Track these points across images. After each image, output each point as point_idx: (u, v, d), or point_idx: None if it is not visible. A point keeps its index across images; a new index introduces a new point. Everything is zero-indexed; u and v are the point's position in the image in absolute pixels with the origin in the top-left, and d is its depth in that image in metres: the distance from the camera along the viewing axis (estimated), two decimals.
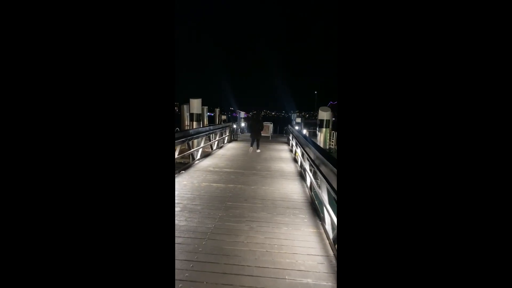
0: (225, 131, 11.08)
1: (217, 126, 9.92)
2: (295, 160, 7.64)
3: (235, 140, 12.92)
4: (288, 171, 6.23)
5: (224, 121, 18.01)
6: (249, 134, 9.33)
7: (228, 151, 8.97)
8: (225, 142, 11.07)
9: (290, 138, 10.74)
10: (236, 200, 4.05)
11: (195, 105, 9.57)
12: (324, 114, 9.54)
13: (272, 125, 15.91)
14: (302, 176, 5.73)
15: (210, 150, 8.98)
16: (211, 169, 6.12)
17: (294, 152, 8.79)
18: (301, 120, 16.79)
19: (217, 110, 20.84)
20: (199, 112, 10.13)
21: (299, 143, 6.33)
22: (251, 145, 8.55)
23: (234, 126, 15.61)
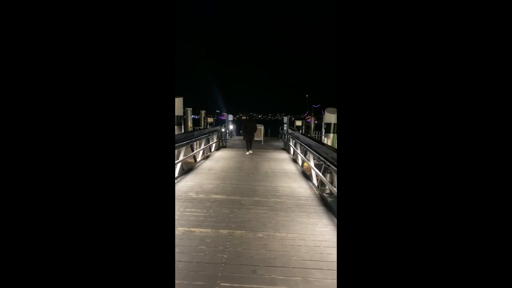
0: (212, 137, 9.18)
1: (202, 132, 8.03)
2: (305, 175, 5.85)
3: (224, 146, 11.02)
4: (304, 195, 4.42)
5: (211, 124, 15.89)
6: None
7: (217, 163, 7.07)
8: (213, 150, 9.15)
9: (291, 144, 8.97)
10: (238, 272, 2.20)
11: (176, 105, 7.65)
12: (331, 117, 7.82)
13: (263, 128, 14.13)
14: (327, 205, 3.94)
15: (193, 161, 7.07)
16: (193, 195, 4.22)
17: (301, 164, 7.01)
18: (302, 123, 14.91)
19: (203, 112, 18.87)
20: (180, 114, 8.21)
21: (320, 156, 4.54)
22: (247, 149, 8.82)
23: (223, 129, 13.79)
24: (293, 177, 5.75)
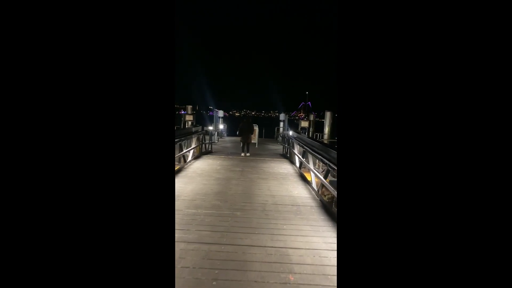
0: (190, 142, 6.79)
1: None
2: (331, 214, 3.53)
3: (209, 152, 8.63)
4: None
5: (191, 124, 12.67)
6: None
7: (188, 184, 4.68)
8: (189, 159, 6.72)
9: (296, 152, 6.68)
10: None
11: None
12: None
13: (257, 128, 11.77)
14: None
15: None
16: None
17: (316, 186, 4.67)
18: (310, 124, 12.39)
19: (189, 107, 16.23)
20: None
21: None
22: (242, 151, 8.30)
23: (210, 128, 11.37)
24: (311, 217, 3.41)
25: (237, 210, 3.50)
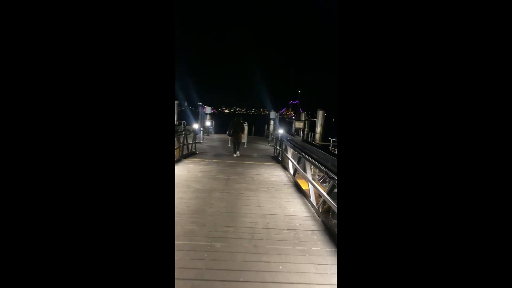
0: None
1: None
2: (330, 233, 2.75)
3: (193, 153, 7.73)
4: None
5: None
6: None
7: None
8: None
9: (289, 156, 5.89)
10: None
11: None
12: None
13: (247, 125, 10.93)
14: None
15: None
16: None
17: (316, 203, 3.87)
18: (305, 125, 11.51)
19: (175, 103, 15.21)
20: None
21: None
22: (234, 151, 8.03)
23: (195, 126, 10.47)
24: (314, 248, 2.61)
25: (216, 240, 2.67)
